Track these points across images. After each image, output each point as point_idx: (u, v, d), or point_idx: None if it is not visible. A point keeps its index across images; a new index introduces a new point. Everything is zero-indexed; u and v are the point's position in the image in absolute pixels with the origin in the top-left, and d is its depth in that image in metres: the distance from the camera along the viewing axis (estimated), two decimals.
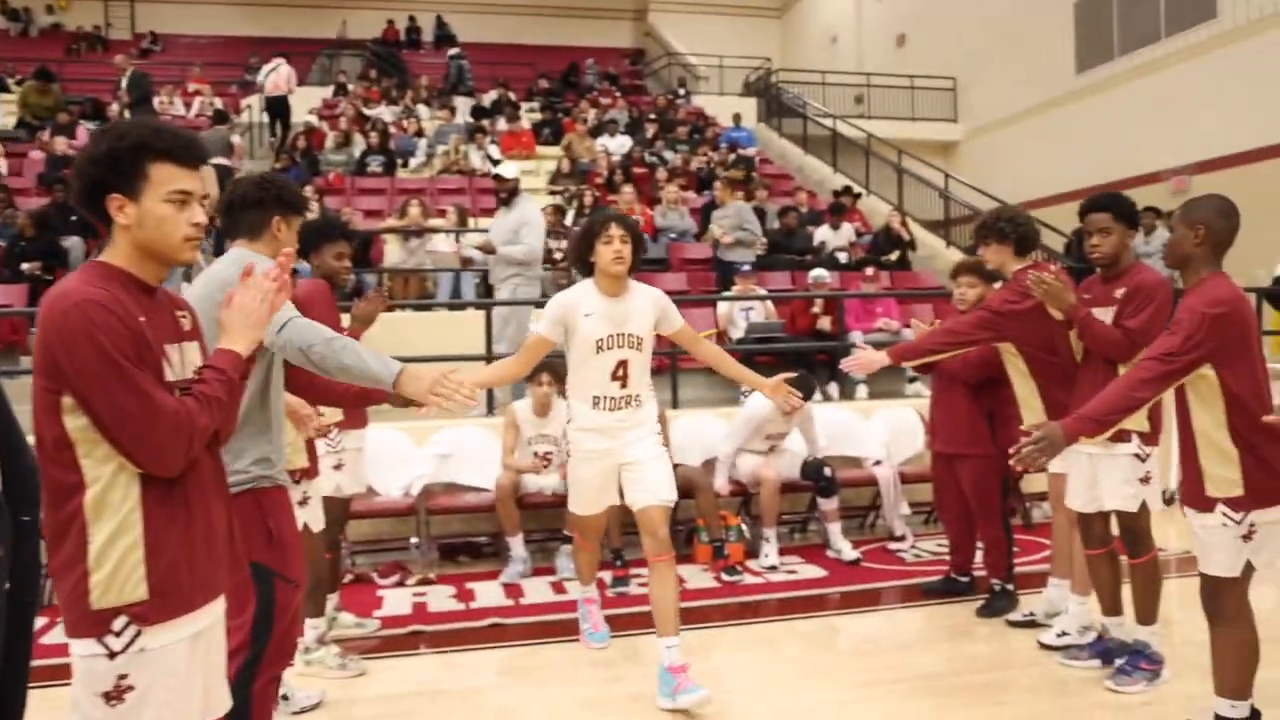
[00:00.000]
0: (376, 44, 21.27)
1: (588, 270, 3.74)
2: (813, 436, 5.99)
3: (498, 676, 4.16)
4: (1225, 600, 2.88)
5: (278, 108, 14.49)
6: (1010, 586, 4.66)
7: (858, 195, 12.95)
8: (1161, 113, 13.27)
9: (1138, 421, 3.63)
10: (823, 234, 10.88)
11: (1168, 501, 7.15)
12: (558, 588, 5.26)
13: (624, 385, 3.64)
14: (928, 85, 18.37)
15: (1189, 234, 2.98)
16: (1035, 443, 2.87)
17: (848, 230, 10.99)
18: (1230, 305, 2.87)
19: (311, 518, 3.52)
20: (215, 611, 1.96)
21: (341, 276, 4.20)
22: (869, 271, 8.90)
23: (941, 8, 18.43)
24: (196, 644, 1.88)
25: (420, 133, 14.60)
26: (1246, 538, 2.83)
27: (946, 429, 4.77)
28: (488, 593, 5.19)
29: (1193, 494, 2.96)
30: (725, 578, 5.35)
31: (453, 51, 18.49)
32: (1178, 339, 2.85)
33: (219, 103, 15.10)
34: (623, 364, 3.62)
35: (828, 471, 5.79)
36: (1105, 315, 3.71)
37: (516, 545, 5.46)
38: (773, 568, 5.52)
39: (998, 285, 4.57)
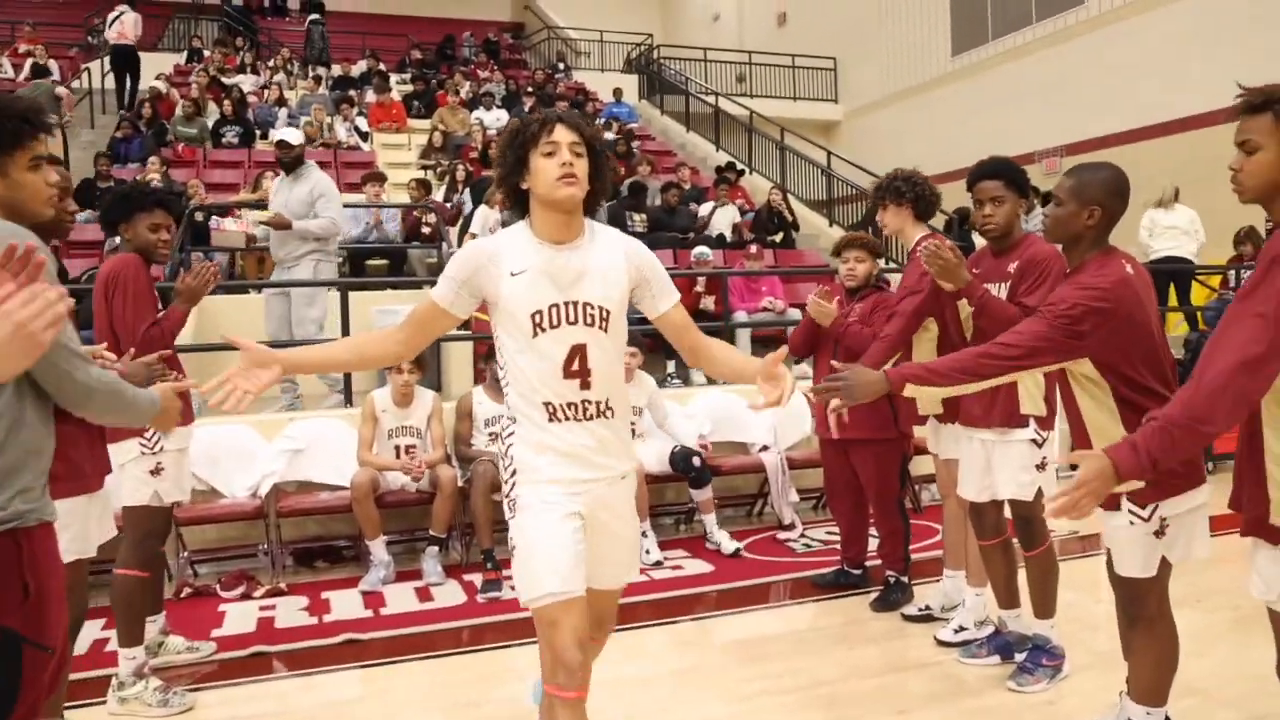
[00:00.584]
0: (235, 8, 19.97)
1: (519, 204, 2.40)
2: (662, 418, 5.72)
3: (353, 701, 3.67)
4: (1144, 602, 2.65)
5: (125, 59, 13.34)
6: (905, 579, 4.44)
7: (741, 172, 12.74)
8: (1033, 95, 13.53)
9: (1034, 404, 3.43)
10: (706, 212, 10.61)
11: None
12: (423, 594, 4.80)
13: (585, 385, 2.31)
14: (809, 65, 18.37)
15: (1081, 213, 2.69)
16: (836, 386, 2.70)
17: (732, 209, 10.75)
18: (1114, 292, 2.59)
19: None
20: None
21: (159, 251, 3.63)
22: (752, 249, 8.66)
23: None
24: None
25: (281, 102, 13.68)
26: (1159, 534, 2.58)
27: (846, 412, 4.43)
28: (345, 603, 4.68)
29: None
30: None
31: (314, 17, 17.44)
32: (1053, 326, 2.59)
33: (54, 66, 13.80)
34: (578, 352, 2.30)
35: (696, 460, 5.47)
36: (998, 292, 3.46)
37: (377, 549, 4.97)
38: (658, 563, 5.18)
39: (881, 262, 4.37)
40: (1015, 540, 3.64)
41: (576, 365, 2.30)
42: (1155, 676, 2.66)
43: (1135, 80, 11.92)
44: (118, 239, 3.75)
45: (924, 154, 15.34)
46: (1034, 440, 3.44)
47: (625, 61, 20.01)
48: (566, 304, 2.29)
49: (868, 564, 4.74)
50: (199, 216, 8.52)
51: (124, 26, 13.32)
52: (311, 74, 14.93)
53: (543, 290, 2.27)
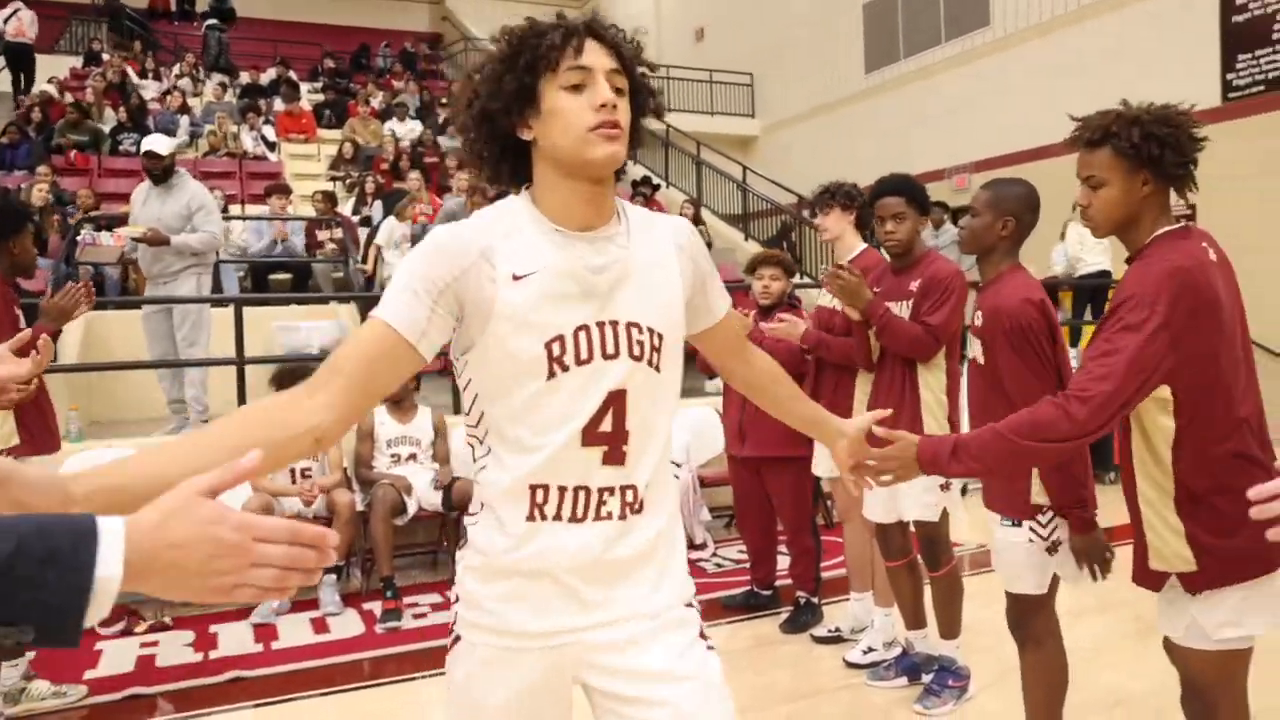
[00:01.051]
0: (137, 12, 19.27)
1: (515, 169, 1.52)
2: None
3: None
4: (1033, 620, 2.64)
5: (19, 57, 12.76)
6: (815, 599, 4.39)
7: (656, 186, 12.73)
8: (943, 113, 13.82)
9: (937, 425, 3.42)
10: None
11: (963, 491, 7.38)
12: (318, 625, 4.58)
13: (617, 456, 1.45)
14: (726, 80, 18.51)
15: (996, 224, 2.75)
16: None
17: None
18: (1041, 302, 2.63)
19: None
20: None
21: (30, 269, 3.41)
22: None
23: (738, 3, 18.59)
24: None
25: (184, 109, 13.21)
26: (1051, 550, 2.58)
27: (758, 431, 4.28)
28: (233, 637, 4.44)
29: (1006, 500, 2.66)
30: None
31: (211, 22, 16.91)
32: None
33: None
34: (616, 400, 1.44)
35: None
36: (901, 310, 3.45)
37: None
38: None
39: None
40: (920, 560, 3.61)
41: (610, 424, 1.43)
42: (1047, 697, 2.64)
43: (1040, 100, 12.24)
44: None
45: (839, 169, 15.43)
46: None
47: None
48: (601, 325, 1.43)
49: (777, 584, 4.67)
50: (84, 230, 8.11)
51: (20, 23, 12.76)
52: (215, 81, 14.44)
53: (564, 303, 1.41)
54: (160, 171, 6.10)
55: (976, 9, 13.39)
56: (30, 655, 3.73)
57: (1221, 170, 9.57)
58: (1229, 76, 10.11)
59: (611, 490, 1.44)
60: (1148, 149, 1.98)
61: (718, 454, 6.23)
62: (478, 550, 1.49)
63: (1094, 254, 9.29)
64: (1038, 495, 2.58)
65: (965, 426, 3.28)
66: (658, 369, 1.47)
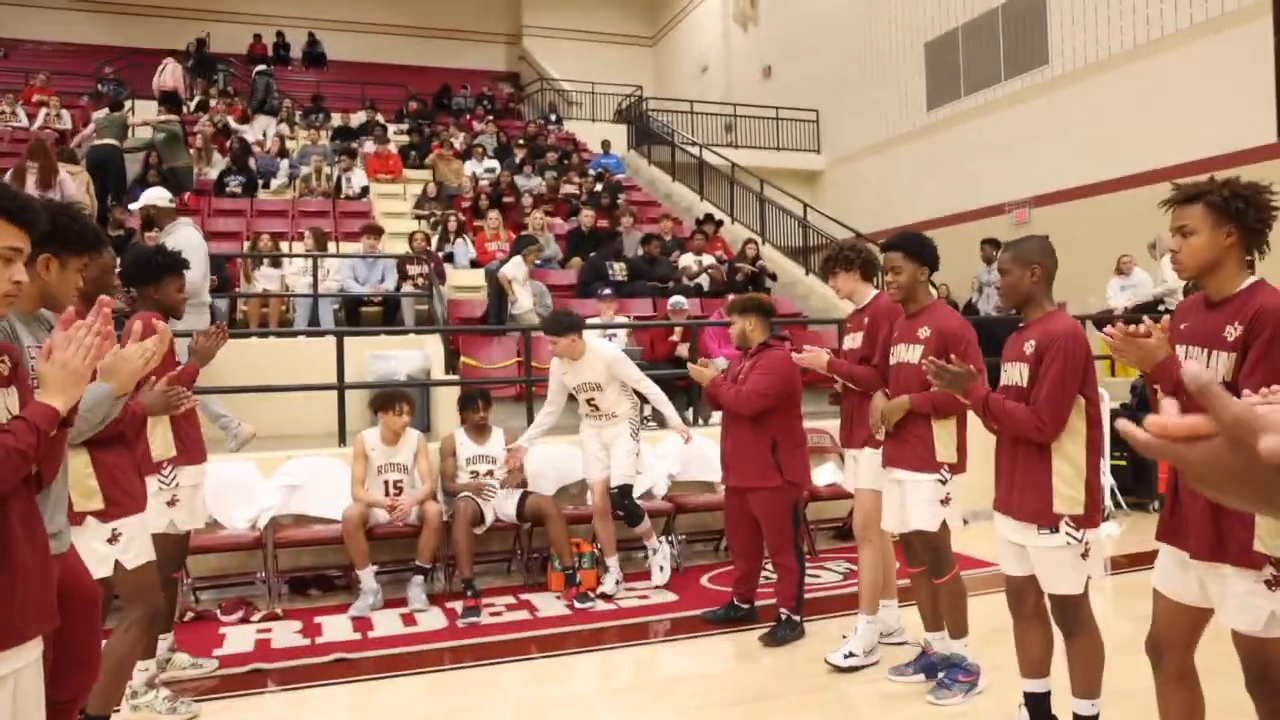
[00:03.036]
0: (237, 58, 20.66)
1: None
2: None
3: (344, 714, 4.11)
4: (1078, 614, 3.19)
5: (170, 103, 14.01)
6: (797, 617, 4.77)
7: (719, 223, 13.29)
8: (1003, 149, 14.14)
9: (946, 453, 3.89)
10: (687, 260, 11.13)
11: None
12: (408, 619, 5.22)
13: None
14: (792, 116, 19.03)
15: (1025, 274, 3.27)
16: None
17: (710, 259, 11.28)
18: (1079, 333, 3.19)
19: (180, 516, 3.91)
20: (25, 657, 1.96)
21: (180, 306, 4.12)
22: (731, 298, 9.15)
23: (805, 41, 19.15)
24: (3, 685, 1.90)
25: (284, 153, 14.27)
26: (1085, 555, 3.14)
27: (737, 463, 4.84)
28: (335, 627, 5.11)
29: (1032, 509, 3.18)
30: (578, 605, 5.41)
31: (260, 68, 18.10)
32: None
33: (66, 115, 14.41)
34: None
35: (627, 501, 5.58)
36: (912, 352, 3.90)
37: (366, 577, 5.40)
38: (606, 596, 5.57)
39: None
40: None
41: None
42: (1092, 675, 3.20)
43: (1097, 137, 12.53)
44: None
45: (902, 203, 16.02)
46: (939, 480, 3.88)
47: (615, 112, 20.66)
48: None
49: (756, 602, 5.09)
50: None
51: (169, 76, 14.18)
52: (313, 125, 15.52)
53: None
54: (146, 220, 7.05)
55: (1035, 48, 13.73)
56: (173, 633, 4.44)
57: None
58: None
59: None
60: (1234, 204, 2.50)
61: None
62: None
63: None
64: (1058, 505, 3.11)
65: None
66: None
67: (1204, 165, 10.72)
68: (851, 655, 4.28)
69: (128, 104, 13.52)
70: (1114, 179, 12.12)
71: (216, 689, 4.24)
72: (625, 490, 5.54)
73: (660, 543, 5.87)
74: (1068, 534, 3.10)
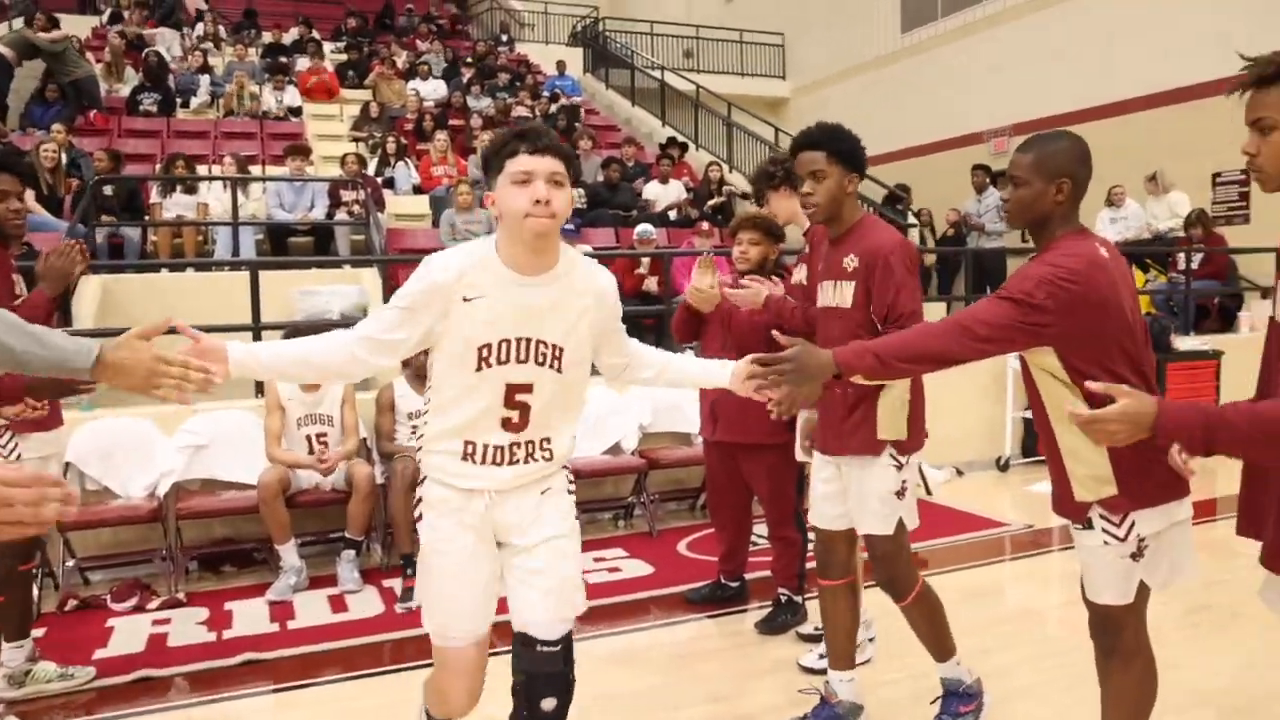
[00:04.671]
0: None
1: None
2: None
3: None
4: (1119, 632, 2.32)
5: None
6: (798, 598, 4.04)
7: (685, 147, 12.39)
8: (982, 74, 13.37)
9: (895, 429, 2.91)
10: (651, 190, 10.25)
11: (1003, 467, 7.08)
12: (337, 603, 4.41)
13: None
14: (756, 40, 18.05)
15: (1049, 189, 2.30)
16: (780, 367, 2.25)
17: (676, 186, 10.40)
18: (1087, 274, 2.20)
19: None
20: None
21: (10, 224, 3.20)
22: (704, 226, 8.33)
23: None
24: None
25: (205, 69, 12.98)
26: (1135, 556, 2.24)
27: (731, 415, 3.94)
28: (249, 615, 4.28)
29: (1062, 502, 2.35)
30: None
31: None
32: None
33: None
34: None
35: None
36: (841, 291, 2.92)
37: (288, 554, 4.56)
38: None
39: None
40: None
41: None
42: (1131, 716, 2.36)
43: (1082, 61, 11.81)
44: None
45: (873, 131, 14.99)
46: (893, 465, 2.92)
47: (570, 34, 19.48)
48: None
49: (747, 577, 4.38)
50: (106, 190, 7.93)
51: None
52: (241, 40, 14.20)
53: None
54: None
55: None
56: (36, 634, 3.58)
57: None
58: None
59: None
60: None
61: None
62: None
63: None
64: (1081, 493, 2.26)
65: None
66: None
67: (1206, 89, 10.03)
68: (825, 657, 3.30)
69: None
70: (1106, 104, 11.40)
71: (91, 706, 3.40)
72: None
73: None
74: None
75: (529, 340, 2.12)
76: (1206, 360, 7.74)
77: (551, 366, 2.15)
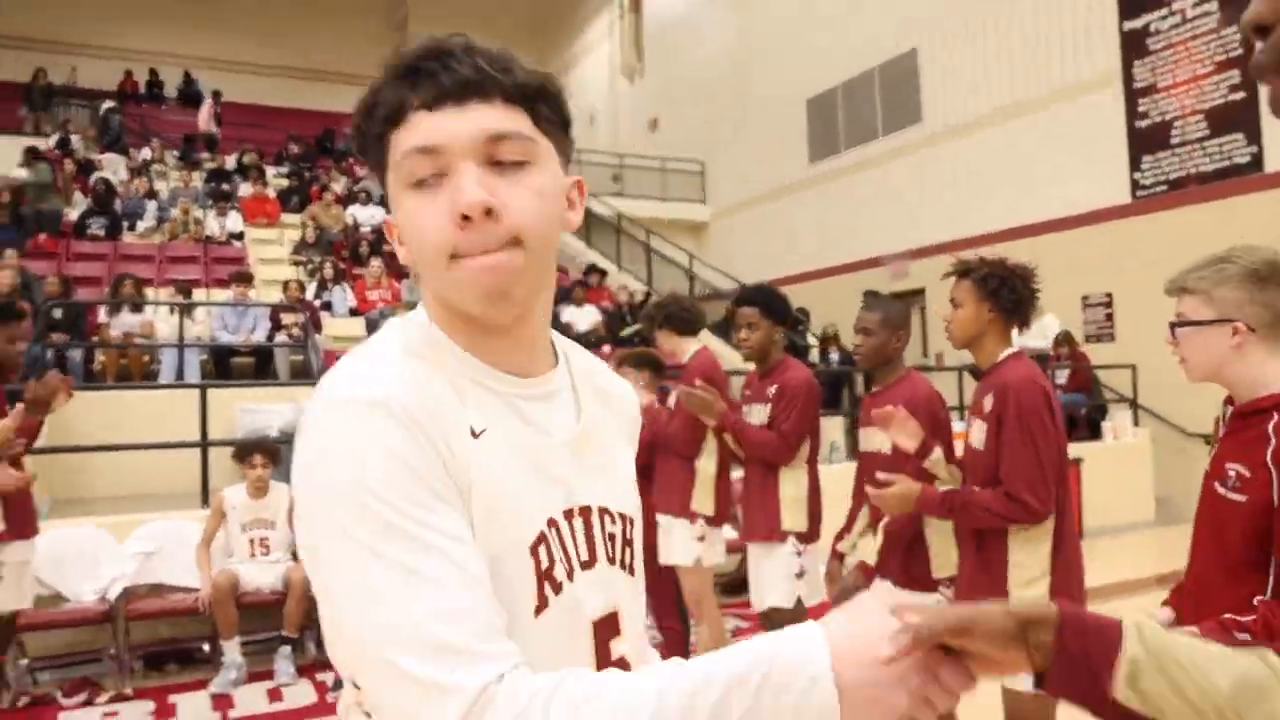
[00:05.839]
0: (107, 93, 19.76)
1: None
2: None
3: None
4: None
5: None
6: None
7: (604, 273, 13.26)
8: (881, 203, 14.61)
9: (794, 521, 3.62)
10: (569, 313, 11.03)
11: None
12: (274, 695, 4.88)
13: None
14: (678, 167, 19.29)
15: (892, 339, 3.19)
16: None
17: (591, 310, 11.20)
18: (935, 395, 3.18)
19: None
20: None
21: (14, 359, 3.79)
22: (605, 350, 9.09)
23: (690, 94, 19.49)
24: None
25: (151, 194, 13.61)
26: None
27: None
28: (192, 707, 4.72)
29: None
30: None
31: (109, 104, 17.49)
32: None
33: None
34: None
35: None
36: (763, 414, 3.72)
37: (230, 650, 5.03)
38: None
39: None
40: None
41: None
42: None
43: (970, 193, 13.06)
44: None
45: (784, 255, 16.32)
46: (794, 552, 3.60)
47: None
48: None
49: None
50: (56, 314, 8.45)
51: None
52: (189, 164, 14.90)
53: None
54: None
55: (909, 107, 14.27)
56: None
57: (1134, 258, 10.36)
58: (1135, 176, 10.96)
59: None
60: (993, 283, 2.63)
61: None
62: None
63: (1034, 340, 10.12)
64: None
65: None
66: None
67: (1070, 222, 11.32)
68: None
69: None
70: (984, 234, 12.61)
71: None
72: None
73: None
74: None
75: (588, 511, 1.02)
76: (1071, 464, 8.62)
77: (624, 564, 1.08)
